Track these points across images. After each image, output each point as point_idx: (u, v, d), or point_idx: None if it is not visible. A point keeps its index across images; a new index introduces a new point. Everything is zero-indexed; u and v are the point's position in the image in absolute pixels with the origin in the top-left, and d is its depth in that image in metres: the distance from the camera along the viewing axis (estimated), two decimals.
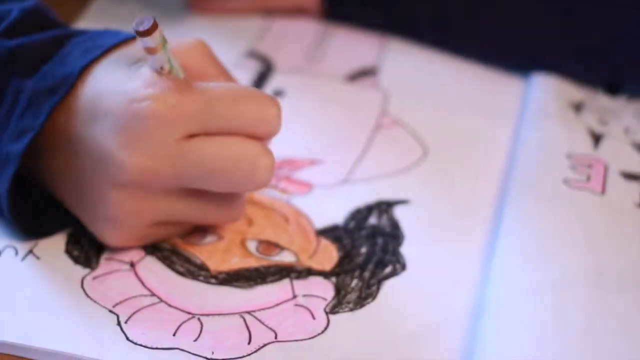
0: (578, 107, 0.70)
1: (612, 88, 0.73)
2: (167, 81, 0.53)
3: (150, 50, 0.52)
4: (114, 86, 0.53)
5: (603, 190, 0.63)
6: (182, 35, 0.71)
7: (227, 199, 0.56)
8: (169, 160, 0.53)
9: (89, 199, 0.55)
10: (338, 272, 0.58)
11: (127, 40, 0.56)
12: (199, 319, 0.54)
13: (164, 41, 0.53)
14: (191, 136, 0.53)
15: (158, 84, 0.52)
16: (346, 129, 0.69)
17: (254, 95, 0.55)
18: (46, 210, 0.58)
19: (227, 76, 0.58)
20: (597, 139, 0.67)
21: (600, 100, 0.72)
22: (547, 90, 0.72)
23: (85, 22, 0.76)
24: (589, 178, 0.63)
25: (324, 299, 0.56)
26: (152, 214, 0.55)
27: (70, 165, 0.55)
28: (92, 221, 0.56)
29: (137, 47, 0.54)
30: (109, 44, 0.56)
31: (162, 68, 0.53)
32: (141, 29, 0.52)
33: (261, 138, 0.55)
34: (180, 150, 0.53)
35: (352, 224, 0.61)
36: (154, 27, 0.52)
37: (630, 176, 0.64)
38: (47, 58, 0.56)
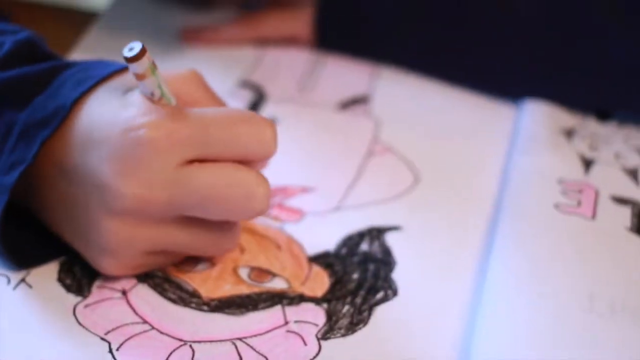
0: (569, 133, 0.71)
1: (603, 114, 0.73)
2: (162, 108, 0.53)
3: (139, 77, 0.53)
4: (108, 116, 0.54)
5: (594, 215, 0.63)
6: (176, 67, 0.72)
7: (222, 228, 0.56)
8: (164, 188, 0.53)
9: (83, 227, 0.55)
10: (330, 299, 0.58)
11: (119, 70, 0.56)
12: (190, 345, 0.54)
13: (154, 67, 0.53)
14: (188, 162, 0.53)
15: (153, 111, 0.53)
16: (338, 156, 0.70)
17: (249, 117, 0.55)
18: (36, 241, 0.58)
19: (221, 105, 0.58)
20: (587, 164, 0.68)
21: (591, 126, 0.72)
22: (538, 116, 0.72)
23: (79, 53, 0.77)
24: (579, 203, 0.64)
25: (316, 325, 0.56)
26: (146, 243, 0.55)
27: (64, 195, 0.55)
28: (87, 250, 0.56)
29: (129, 77, 0.54)
30: (101, 74, 0.56)
31: (152, 94, 0.53)
32: (129, 55, 0.52)
33: (257, 160, 0.55)
34: (176, 177, 0.53)
35: (344, 251, 0.61)
36: (142, 52, 0.52)
37: (620, 200, 0.65)
38: (39, 90, 0.56)
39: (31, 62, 0.58)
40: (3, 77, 0.57)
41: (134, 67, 0.52)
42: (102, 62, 0.58)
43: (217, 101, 0.58)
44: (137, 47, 0.52)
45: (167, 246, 0.56)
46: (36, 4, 0.86)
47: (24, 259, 0.57)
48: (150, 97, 0.53)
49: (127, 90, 0.55)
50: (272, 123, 0.55)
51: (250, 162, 0.55)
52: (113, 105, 0.54)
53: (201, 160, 0.54)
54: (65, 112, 0.54)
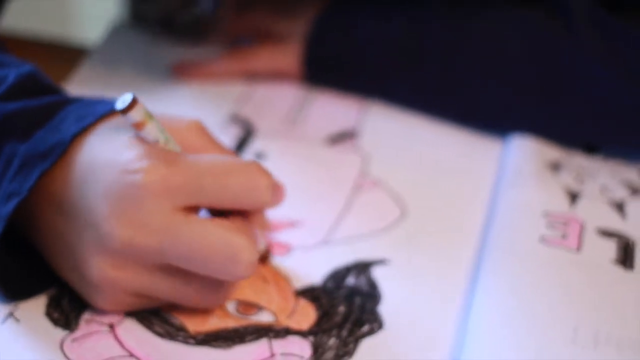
0: (555, 167, 0.71)
1: (589, 148, 0.74)
2: (160, 154, 0.54)
3: (136, 126, 0.54)
4: (107, 155, 0.54)
5: (579, 247, 0.63)
6: (167, 102, 0.73)
7: (211, 284, 0.57)
8: (155, 233, 0.53)
9: (74, 261, 0.56)
10: (316, 331, 0.58)
11: None
12: None
13: (149, 116, 0.54)
14: (183, 209, 0.54)
15: (150, 156, 0.54)
16: (326, 190, 0.70)
17: (245, 167, 0.55)
18: (30, 273, 0.58)
19: (226, 153, 0.59)
20: (573, 197, 0.68)
21: (577, 160, 0.73)
22: (524, 151, 0.73)
23: (72, 88, 0.77)
24: (564, 235, 0.64)
25: (302, 357, 0.56)
26: (134, 285, 0.56)
27: (59, 228, 0.56)
28: (79, 284, 0.57)
29: None
30: (102, 111, 0.57)
31: (157, 142, 0.54)
32: (121, 107, 0.53)
33: (252, 209, 0.56)
34: (167, 224, 0.53)
35: (330, 284, 0.62)
36: (134, 103, 0.53)
37: (606, 233, 0.65)
38: (41, 124, 0.57)
39: (34, 94, 0.59)
40: (7, 109, 0.57)
41: (129, 118, 0.53)
42: (105, 100, 0.59)
43: (221, 150, 0.59)
44: (128, 98, 0.53)
45: (152, 293, 0.56)
46: (29, 39, 0.87)
47: (16, 290, 0.58)
48: (154, 144, 0.54)
49: (129, 130, 0.56)
50: (268, 174, 0.56)
51: (249, 211, 0.56)
52: (112, 145, 0.55)
53: (196, 208, 0.54)
54: (64, 146, 0.55)
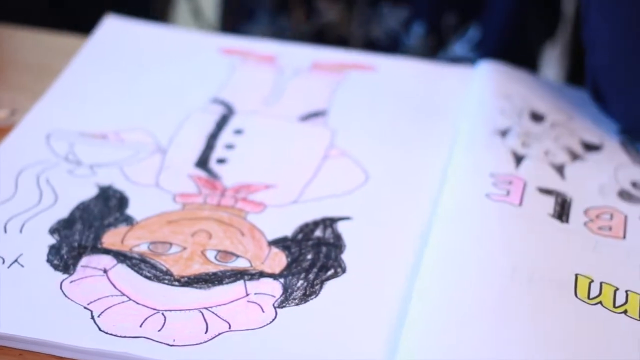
0: (503, 133, 0.79)
1: (536, 117, 0.82)
2: None
3: None
4: None
5: (520, 203, 0.71)
6: (156, 87, 0.79)
7: None
8: None
9: None
10: (286, 275, 0.66)
11: None
12: (162, 313, 0.62)
13: None
14: None
15: None
16: (298, 159, 0.78)
17: None
18: None
19: None
20: (519, 160, 0.76)
21: (525, 126, 0.80)
22: (475, 119, 0.80)
23: (69, 74, 0.85)
24: (508, 193, 0.72)
25: (273, 296, 0.64)
26: None
27: None
28: None
29: None
30: None
31: None
32: None
33: None
34: None
35: (299, 236, 0.69)
36: None
37: (546, 191, 0.73)
38: None
39: None
40: None
41: None
42: None
43: None
44: None
45: None
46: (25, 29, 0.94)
47: None
48: None
49: None
50: None
51: None
52: None
53: None
54: None
